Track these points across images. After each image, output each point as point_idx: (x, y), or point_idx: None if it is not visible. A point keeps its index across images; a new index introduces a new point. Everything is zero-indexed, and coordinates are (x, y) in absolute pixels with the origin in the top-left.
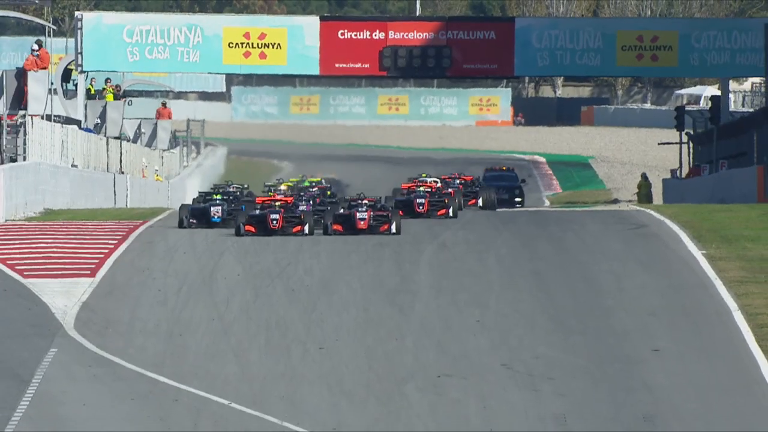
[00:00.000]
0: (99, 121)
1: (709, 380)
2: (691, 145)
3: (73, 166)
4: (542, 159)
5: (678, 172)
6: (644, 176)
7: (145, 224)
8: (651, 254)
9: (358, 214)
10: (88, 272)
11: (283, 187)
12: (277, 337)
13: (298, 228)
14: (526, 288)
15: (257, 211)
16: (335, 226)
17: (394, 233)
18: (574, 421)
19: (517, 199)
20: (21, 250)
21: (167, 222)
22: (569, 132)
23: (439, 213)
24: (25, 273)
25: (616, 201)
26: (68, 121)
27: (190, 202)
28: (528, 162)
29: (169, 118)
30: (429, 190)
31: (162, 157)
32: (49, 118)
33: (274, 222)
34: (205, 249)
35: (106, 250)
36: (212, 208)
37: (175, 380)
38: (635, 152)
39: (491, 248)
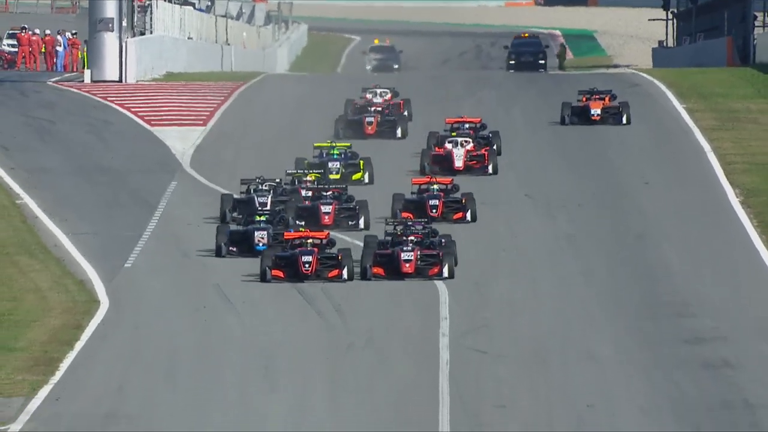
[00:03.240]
0: (209, 3)
1: (688, 206)
2: (675, 21)
3: (189, 38)
4: (558, 32)
5: (664, 42)
6: None
7: (245, 84)
8: (642, 107)
9: (402, 254)
10: (201, 122)
11: (310, 177)
12: None
13: (336, 272)
14: (544, 136)
15: (285, 249)
16: (375, 269)
17: (446, 278)
18: (581, 239)
19: (541, 62)
20: (148, 105)
21: (263, 83)
22: (579, 11)
23: (455, 216)
24: (152, 122)
25: (615, 66)
26: (185, 2)
27: (234, 195)
28: (546, 35)
29: (265, 1)
30: (443, 186)
31: (258, 32)
32: (170, 0)
33: (307, 266)
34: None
35: (215, 105)
36: (256, 234)
37: None
38: (630, 27)
39: (517, 103)
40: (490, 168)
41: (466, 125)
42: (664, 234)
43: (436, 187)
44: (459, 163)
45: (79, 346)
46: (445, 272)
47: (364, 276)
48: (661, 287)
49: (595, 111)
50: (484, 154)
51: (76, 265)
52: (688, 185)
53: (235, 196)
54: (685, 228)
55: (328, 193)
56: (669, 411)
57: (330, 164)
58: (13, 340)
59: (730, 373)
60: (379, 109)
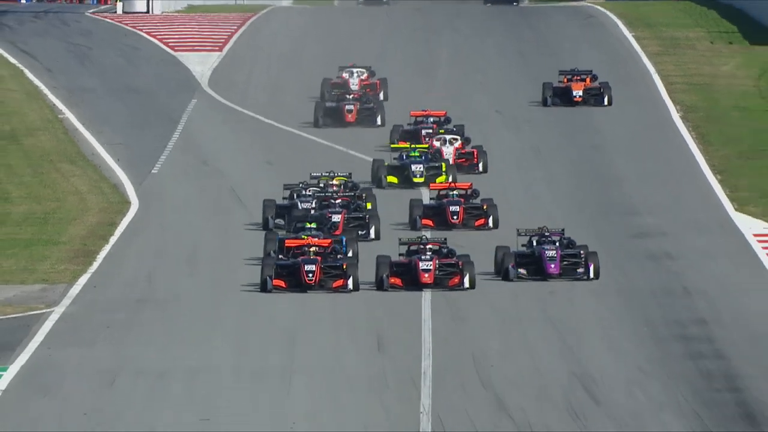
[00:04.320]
0: None
1: (636, 121)
2: None
3: None
4: None
5: None
6: None
7: (255, 15)
8: (597, 36)
9: (421, 264)
10: (218, 48)
11: (335, 182)
12: None
13: (340, 282)
14: (514, 63)
15: (286, 258)
16: (393, 280)
17: (467, 288)
18: (545, 150)
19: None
20: (172, 33)
21: (270, 15)
22: None
23: (477, 223)
24: (175, 48)
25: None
26: None
27: (277, 201)
28: None
29: None
30: (463, 192)
31: None
32: None
33: (310, 276)
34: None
35: (230, 33)
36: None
37: (276, 121)
38: None
39: (491, 34)
40: (480, 166)
41: (431, 119)
42: (616, 146)
43: (456, 192)
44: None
45: (113, 240)
46: (466, 283)
47: (380, 287)
48: (612, 190)
49: (577, 92)
50: (474, 152)
51: (110, 171)
52: (636, 103)
53: (278, 202)
54: (634, 140)
55: (337, 201)
56: (618, 295)
57: (413, 167)
58: (57, 235)
59: (670, 263)
60: (358, 97)
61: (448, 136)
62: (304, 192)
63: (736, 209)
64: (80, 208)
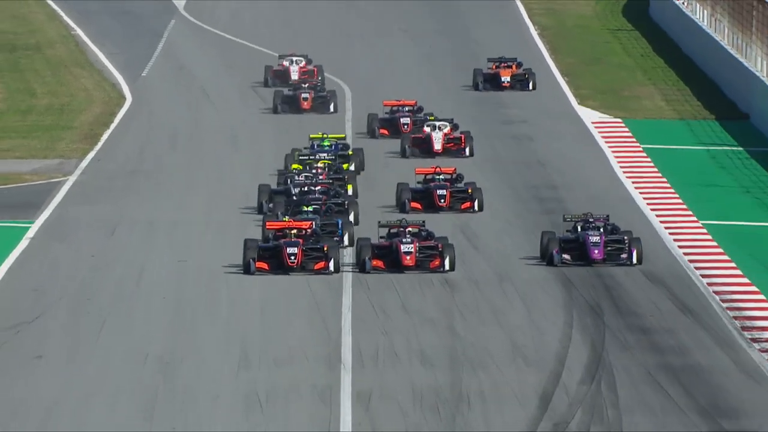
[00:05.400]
0: None
1: (501, 36)
2: None
3: None
4: None
5: None
6: None
7: None
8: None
9: (402, 246)
10: None
11: (320, 164)
12: None
13: (322, 264)
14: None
15: (269, 242)
16: (375, 262)
17: (447, 270)
18: (437, 58)
19: None
20: None
21: None
22: None
23: (463, 206)
24: None
25: None
26: None
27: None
28: None
29: None
30: (448, 176)
31: None
32: None
33: (292, 258)
34: None
35: None
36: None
37: (235, 37)
38: None
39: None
40: (467, 151)
41: (406, 108)
42: (487, 51)
43: (441, 176)
44: (438, 146)
45: (112, 126)
46: (446, 265)
47: (362, 269)
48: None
49: (505, 78)
50: (461, 137)
51: (110, 74)
52: (503, 24)
53: (273, 187)
54: (500, 48)
55: (317, 188)
56: (491, 166)
57: (320, 155)
58: (71, 121)
59: (530, 143)
60: (313, 85)
61: (437, 123)
62: (296, 178)
63: (578, 103)
64: (88, 101)
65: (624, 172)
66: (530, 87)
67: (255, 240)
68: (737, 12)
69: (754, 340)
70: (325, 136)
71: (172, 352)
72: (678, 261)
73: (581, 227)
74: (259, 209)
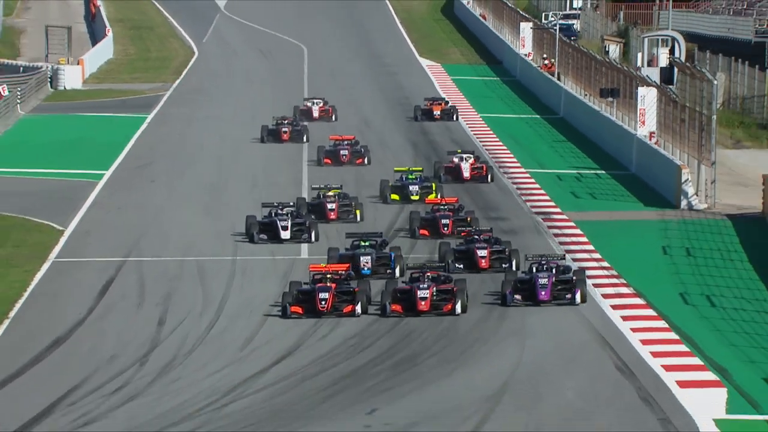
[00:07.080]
0: None
1: (379, 22)
2: None
3: None
4: None
5: None
6: None
7: None
8: None
9: (419, 292)
10: None
11: (331, 193)
12: None
13: (350, 308)
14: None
15: (305, 285)
16: (394, 307)
17: (459, 313)
18: (344, 31)
19: None
20: None
21: None
22: None
23: (462, 234)
24: None
25: None
26: None
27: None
28: None
29: None
30: (452, 206)
31: None
32: None
33: (323, 303)
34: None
35: None
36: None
37: (261, 26)
38: None
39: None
40: (489, 178)
41: (345, 142)
42: (372, 29)
43: (446, 206)
44: (466, 174)
45: (187, 67)
46: (458, 309)
47: (383, 312)
48: (371, 47)
49: (437, 112)
50: (483, 167)
51: (186, 40)
52: (380, 15)
53: (258, 219)
54: (379, 32)
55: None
56: (382, 100)
57: (410, 187)
58: (167, 64)
59: (395, 75)
60: (289, 122)
61: (464, 155)
62: (280, 211)
63: (420, 56)
64: (175, 54)
65: (440, 88)
66: (454, 119)
67: (297, 283)
68: (498, 9)
69: None
70: (409, 169)
71: None
72: None
73: (535, 269)
74: (250, 239)
